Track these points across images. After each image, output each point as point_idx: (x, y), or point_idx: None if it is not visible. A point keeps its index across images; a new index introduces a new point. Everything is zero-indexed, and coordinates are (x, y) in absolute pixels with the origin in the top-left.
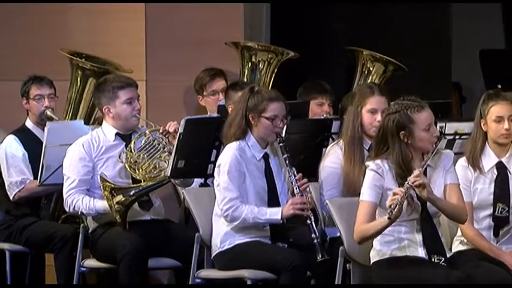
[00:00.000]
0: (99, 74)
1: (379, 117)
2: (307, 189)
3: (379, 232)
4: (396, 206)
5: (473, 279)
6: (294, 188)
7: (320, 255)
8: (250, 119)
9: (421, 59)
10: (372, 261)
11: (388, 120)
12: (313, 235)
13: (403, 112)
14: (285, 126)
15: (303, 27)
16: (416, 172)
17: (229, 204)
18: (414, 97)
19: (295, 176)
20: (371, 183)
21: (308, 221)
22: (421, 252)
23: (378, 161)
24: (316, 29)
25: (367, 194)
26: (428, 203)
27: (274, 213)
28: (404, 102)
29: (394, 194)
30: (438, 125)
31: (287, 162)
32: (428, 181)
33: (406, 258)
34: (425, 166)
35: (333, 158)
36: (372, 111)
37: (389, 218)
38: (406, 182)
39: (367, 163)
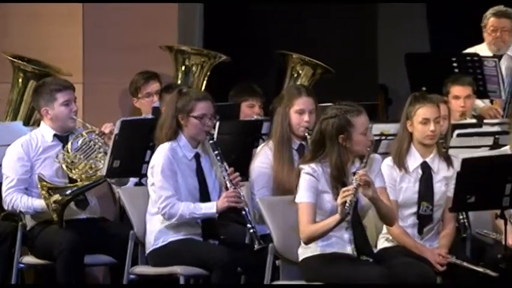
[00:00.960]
0: (40, 77)
1: (306, 117)
2: (240, 182)
3: (328, 231)
4: (351, 202)
5: (398, 275)
6: (227, 182)
7: (257, 243)
8: (180, 119)
9: (349, 62)
10: (300, 258)
11: (327, 124)
12: (248, 225)
13: (342, 116)
14: (217, 128)
15: (235, 31)
16: (361, 171)
17: (166, 202)
18: (350, 102)
19: (227, 170)
20: (308, 185)
21: (243, 212)
22: (348, 250)
23: (313, 165)
24: (247, 33)
25: (305, 196)
26: (358, 204)
27: (210, 207)
28: (343, 107)
29: (345, 191)
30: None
31: (218, 158)
32: (372, 181)
33: (334, 254)
34: (364, 168)
35: (262, 158)
36: (299, 112)
37: (348, 213)
38: (354, 179)
39: (301, 166)
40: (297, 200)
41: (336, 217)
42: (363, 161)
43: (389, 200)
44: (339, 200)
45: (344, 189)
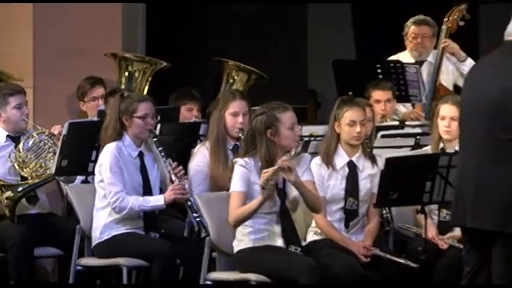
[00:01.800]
0: None
1: (240, 119)
2: (184, 175)
3: (253, 212)
4: (267, 182)
5: (324, 266)
6: (172, 176)
7: (204, 231)
8: (124, 121)
9: (281, 69)
10: (235, 250)
11: (256, 121)
12: (194, 214)
13: (270, 112)
14: (158, 129)
15: (175, 39)
16: (284, 157)
17: (116, 196)
18: (278, 101)
19: (171, 165)
20: (240, 175)
21: (189, 203)
22: (279, 243)
23: (246, 158)
24: (187, 41)
25: (238, 185)
26: (287, 200)
27: (158, 200)
28: (270, 105)
29: (264, 172)
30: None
31: (163, 154)
32: (294, 166)
33: (266, 247)
34: (289, 158)
35: (200, 157)
36: (233, 114)
37: (263, 188)
38: (276, 164)
39: (235, 159)
40: (230, 190)
41: (259, 198)
42: (290, 152)
43: (316, 190)
44: (260, 182)
45: (264, 170)
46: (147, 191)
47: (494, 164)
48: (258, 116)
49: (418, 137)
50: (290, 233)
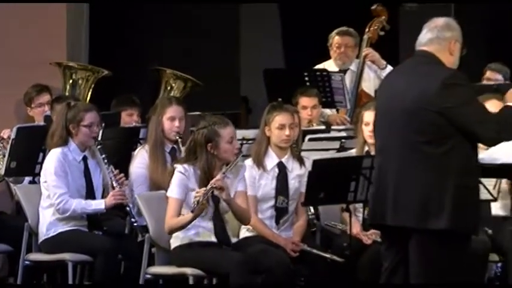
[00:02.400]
0: None
1: (177, 123)
2: (125, 182)
3: (186, 224)
4: (199, 202)
5: (255, 260)
6: (113, 182)
7: (140, 236)
8: (71, 128)
9: (215, 77)
10: (172, 246)
11: (198, 133)
12: (132, 219)
13: (211, 127)
14: (101, 133)
15: (116, 48)
16: (218, 177)
17: (60, 198)
18: (220, 115)
19: (113, 172)
20: (178, 182)
21: (127, 208)
22: (213, 238)
23: (185, 165)
24: (127, 50)
25: (175, 191)
26: (220, 203)
27: (99, 204)
28: (212, 119)
29: (197, 192)
30: None
31: (105, 161)
32: (226, 185)
33: (200, 243)
34: (225, 173)
35: (140, 159)
36: (171, 119)
37: (192, 212)
38: (210, 184)
39: (176, 165)
40: (168, 194)
41: (192, 214)
42: (228, 166)
43: (246, 202)
44: (193, 199)
45: (197, 190)
46: (90, 193)
47: (411, 167)
48: (200, 129)
49: (343, 140)
50: (220, 233)
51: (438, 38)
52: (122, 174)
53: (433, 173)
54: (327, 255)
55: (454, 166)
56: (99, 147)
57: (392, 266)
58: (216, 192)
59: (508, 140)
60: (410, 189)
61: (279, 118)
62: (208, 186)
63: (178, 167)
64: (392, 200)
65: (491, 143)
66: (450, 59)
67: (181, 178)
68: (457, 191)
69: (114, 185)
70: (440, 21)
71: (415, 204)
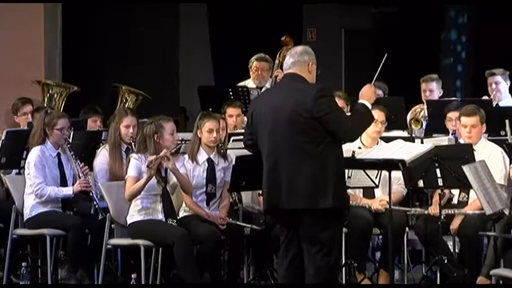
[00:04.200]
0: None
1: (131, 130)
2: (88, 173)
3: (142, 187)
4: (152, 162)
5: (193, 232)
6: (80, 173)
7: (101, 215)
8: (47, 131)
9: (160, 91)
10: (128, 223)
11: (147, 128)
12: (94, 202)
13: (157, 122)
14: (71, 136)
15: (85, 68)
16: (165, 151)
17: (38, 186)
18: (163, 115)
19: (79, 165)
20: (134, 165)
21: (91, 194)
22: (160, 217)
23: (139, 154)
24: (93, 70)
25: (132, 171)
26: (168, 185)
27: (68, 190)
28: (157, 117)
29: (150, 158)
30: None
31: (74, 156)
32: (172, 158)
33: (150, 220)
34: (170, 151)
35: (102, 156)
36: (126, 126)
37: (148, 167)
38: (159, 155)
39: (131, 154)
40: (126, 176)
41: (145, 177)
42: (171, 149)
43: (188, 178)
44: (146, 163)
45: (149, 158)
46: (63, 181)
47: (299, 162)
48: (148, 124)
49: None
50: (169, 210)
51: (299, 61)
52: (86, 167)
53: (316, 164)
54: (248, 225)
55: (331, 158)
56: (68, 146)
57: (288, 239)
58: (164, 162)
59: (362, 130)
60: (300, 179)
61: (208, 124)
62: (159, 155)
63: (134, 155)
64: (286, 189)
65: (349, 138)
66: (310, 76)
67: (136, 162)
68: (335, 177)
69: (80, 175)
70: (299, 48)
71: (305, 190)
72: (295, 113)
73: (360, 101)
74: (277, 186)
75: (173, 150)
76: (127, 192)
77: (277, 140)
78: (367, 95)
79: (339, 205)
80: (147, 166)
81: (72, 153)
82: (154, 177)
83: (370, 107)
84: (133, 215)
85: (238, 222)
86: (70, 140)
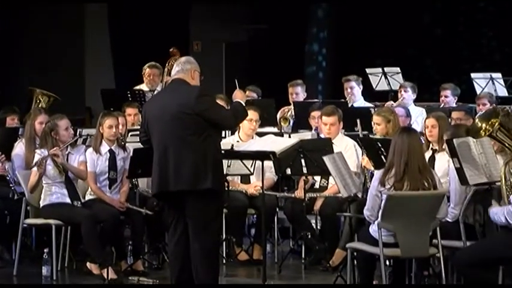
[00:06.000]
0: None
1: (43, 126)
2: (6, 161)
3: (37, 181)
4: (39, 163)
5: (97, 214)
6: None
7: (16, 196)
8: None
9: (68, 92)
10: (41, 205)
11: (45, 127)
12: (11, 185)
13: (52, 121)
14: None
15: (3, 74)
16: (54, 149)
17: None
18: (59, 114)
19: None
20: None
21: (7, 177)
22: (68, 200)
23: (42, 149)
24: (11, 76)
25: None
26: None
27: None
28: (53, 116)
29: (39, 158)
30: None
31: None
32: (61, 155)
33: (59, 203)
34: (61, 148)
35: (19, 149)
36: (40, 123)
37: (37, 164)
38: (49, 152)
39: (36, 150)
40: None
41: (36, 173)
42: (64, 145)
43: (85, 167)
44: (33, 163)
45: (39, 157)
46: None
47: (184, 150)
48: (46, 124)
49: None
50: (73, 194)
51: (183, 69)
52: (3, 156)
53: (198, 153)
54: (142, 210)
55: (211, 148)
56: None
57: (176, 219)
58: (55, 158)
59: (240, 119)
60: (185, 165)
61: (108, 121)
62: (48, 154)
63: (37, 151)
64: (173, 174)
65: (229, 125)
66: (193, 82)
67: (38, 157)
68: (214, 163)
69: None
70: (183, 58)
71: (189, 175)
72: (180, 110)
73: (235, 100)
74: (165, 172)
75: (69, 143)
76: (28, 185)
77: (165, 133)
78: (239, 96)
79: (217, 187)
80: (37, 164)
81: None
82: (56, 167)
83: (244, 104)
84: (45, 199)
85: (134, 207)
86: None
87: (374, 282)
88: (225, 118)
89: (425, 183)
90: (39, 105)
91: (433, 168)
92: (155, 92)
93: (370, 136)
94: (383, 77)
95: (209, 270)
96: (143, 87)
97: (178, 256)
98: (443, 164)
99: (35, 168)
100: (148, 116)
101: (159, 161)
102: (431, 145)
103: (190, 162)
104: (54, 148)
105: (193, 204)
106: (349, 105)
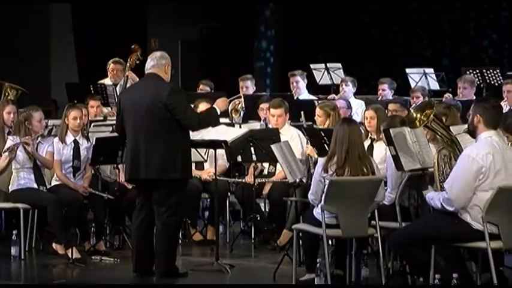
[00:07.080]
0: None
1: (12, 116)
2: None
3: (5, 166)
4: (11, 149)
5: (63, 198)
6: None
7: None
8: None
9: (36, 87)
10: (10, 190)
11: (20, 116)
12: None
13: (28, 112)
14: None
15: None
16: (26, 137)
17: None
18: (35, 106)
19: None
20: (9, 144)
21: None
22: (35, 185)
23: (15, 136)
24: None
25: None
26: (38, 160)
27: None
28: (29, 107)
29: (11, 144)
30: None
31: None
32: (32, 144)
33: (27, 188)
34: (32, 138)
35: None
36: (8, 113)
37: (10, 152)
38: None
39: (8, 137)
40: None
41: (6, 159)
42: (35, 135)
43: (52, 157)
44: (4, 149)
45: (11, 144)
46: None
47: (156, 141)
48: (21, 113)
49: (113, 126)
50: (40, 180)
51: (157, 64)
52: None
53: (168, 144)
54: (103, 195)
55: (179, 139)
56: None
57: (142, 202)
58: (26, 146)
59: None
60: (156, 155)
61: (73, 113)
62: (18, 141)
63: (10, 137)
64: (144, 163)
65: (190, 128)
66: (166, 76)
67: (11, 143)
68: (182, 154)
69: None
70: (158, 53)
71: (159, 164)
72: (153, 103)
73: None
74: (136, 160)
75: (41, 134)
76: None
77: (138, 124)
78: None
79: (185, 177)
80: (9, 149)
81: None
82: (26, 154)
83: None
84: (14, 184)
85: (97, 192)
86: None
87: (317, 260)
88: (188, 118)
89: (365, 170)
90: (8, 98)
91: (372, 155)
92: (117, 86)
93: (314, 126)
94: (326, 72)
95: (170, 247)
96: (107, 81)
97: (140, 234)
98: (380, 152)
99: (6, 153)
100: (124, 107)
101: (132, 150)
102: (370, 134)
103: (160, 152)
104: (27, 137)
105: (161, 191)
106: (295, 98)
